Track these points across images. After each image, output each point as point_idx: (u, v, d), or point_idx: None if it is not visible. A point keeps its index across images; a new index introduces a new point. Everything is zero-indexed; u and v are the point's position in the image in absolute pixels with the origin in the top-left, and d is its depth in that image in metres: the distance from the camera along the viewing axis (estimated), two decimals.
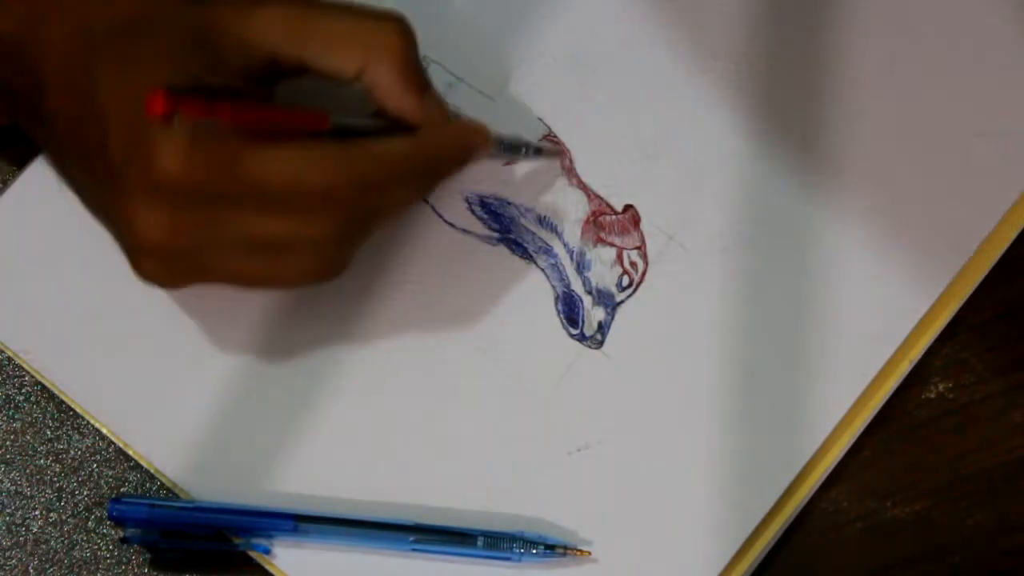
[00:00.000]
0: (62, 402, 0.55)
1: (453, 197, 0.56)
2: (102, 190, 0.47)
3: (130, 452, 0.54)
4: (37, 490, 0.55)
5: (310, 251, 0.47)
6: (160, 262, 0.47)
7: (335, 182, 0.46)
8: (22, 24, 0.47)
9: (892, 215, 0.55)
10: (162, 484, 0.54)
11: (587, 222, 0.56)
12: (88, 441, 0.55)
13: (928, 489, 0.54)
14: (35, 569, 0.54)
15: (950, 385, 0.55)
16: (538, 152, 0.55)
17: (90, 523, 0.54)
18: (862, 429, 0.54)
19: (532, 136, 0.56)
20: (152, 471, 0.54)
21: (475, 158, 0.51)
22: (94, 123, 0.45)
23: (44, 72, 0.47)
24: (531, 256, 0.55)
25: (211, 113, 0.43)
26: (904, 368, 0.54)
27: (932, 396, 0.55)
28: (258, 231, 0.46)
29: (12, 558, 0.54)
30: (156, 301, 0.54)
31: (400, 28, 0.49)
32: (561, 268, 0.55)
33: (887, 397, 0.54)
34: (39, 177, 0.56)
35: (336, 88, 0.49)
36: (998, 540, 0.54)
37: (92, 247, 0.55)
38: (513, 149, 0.54)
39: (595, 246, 0.55)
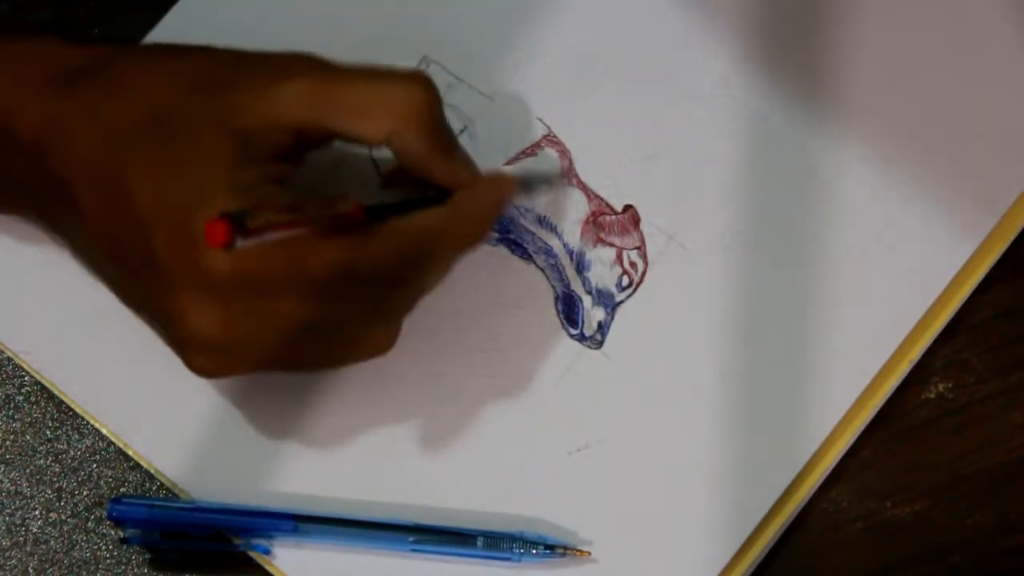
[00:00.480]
0: (62, 402, 0.55)
1: None
2: (145, 287, 0.46)
3: (130, 452, 0.54)
4: (37, 490, 0.55)
5: (363, 331, 0.48)
6: (212, 356, 0.46)
7: (383, 265, 0.46)
8: (43, 130, 0.47)
9: (891, 215, 0.55)
10: (162, 484, 0.54)
11: (587, 222, 0.56)
12: (88, 441, 0.55)
13: (928, 489, 0.54)
14: (35, 569, 0.54)
15: (950, 385, 0.55)
16: (549, 183, 0.55)
17: (90, 523, 0.54)
18: (862, 429, 0.54)
19: (532, 136, 0.56)
20: (152, 471, 0.54)
21: (507, 207, 0.52)
22: (133, 225, 0.45)
23: (72, 175, 0.46)
24: (531, 256, 0.55)
25: (262, 232, 0.42)
26: (904, 368, 0.54)
27: (932, 396, 0.55)
28: (309, 318, 0.46)
29: (12, 558, 0.54)
30: None
31: (425, 90, 0.48)
32: (561, 268, 0.55)
33: (887, 397, 0.54)
34: None
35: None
36: (998, 540, 0.54)
37: None
38: (531, 186, 0.55)
39: (595, 246, 0.55)
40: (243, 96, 0.46)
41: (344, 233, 0.45)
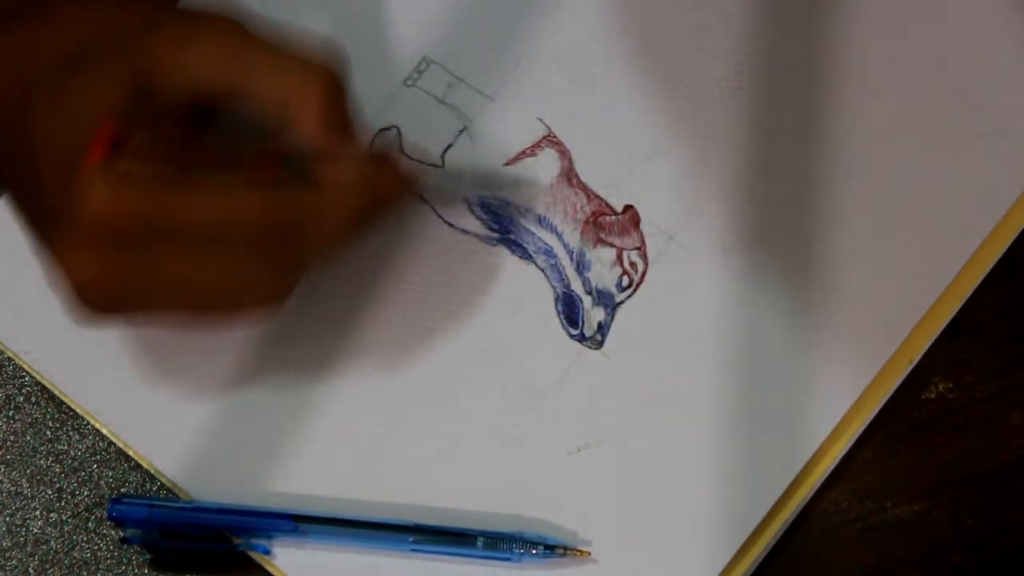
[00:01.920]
0: (62, 402, 0.55)
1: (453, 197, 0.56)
2: (38, 228, 0.47)
3: (130, 452, 0.54)
4: (37, 490, 0.55)
5: (241, 289, 0.47)
6: (89, 303, 0.46)
7: (252, 227, 0.46)
8: None
9: (892, 215, 0.55)
10: (162, 484, 0.54)
11: (587, 222, 0.56)
12: (88, 441, 0.55)
13: (928, 489, 0.54)
14: (35, 569, 0.54)
15: (950, 385, 0.55)
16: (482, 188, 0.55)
17: (90, 523, 0.54)
18: (862, 429, 0.54)
19: (532, 136, 0.57)
20: (152, 471, 0.54)
21: (395, 202, 0.51)
22: (28, 157, 0.45)
23: None
24: (531, 256, 0.55)
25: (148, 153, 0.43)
26: (904, 368, 0.54)
27: (932, 396, 0.55)
28: (186, 271, 0.45)
29: (12, 558, 0.54)
30: None
31: (328, 64, 0.48)
32: (561, 268, 0.55)
33: (887, 397, 0.54)
34: None
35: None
36: (998, 540, 0.54)
37: None
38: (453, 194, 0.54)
39: (595, 246, 0.55)
40: (154, 47, 0.46)
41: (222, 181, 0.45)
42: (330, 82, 0.48)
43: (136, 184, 0.44)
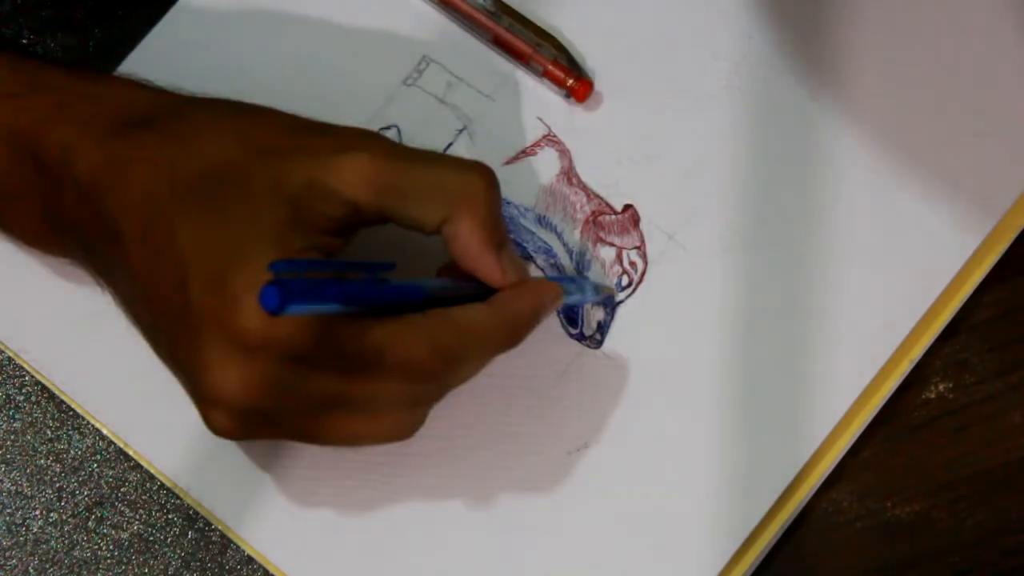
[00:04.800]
0: (62, 402, 0.55)
1: None
2: (176, 336, 0.46)
3: (130, 452, 0.54)
4: (37, 490, 0.55)
5: (386, 415, 0.47)
6: (231, 416, 0.46)
7: (416, 354, 0.45)
8: (101, 171, 0.47)
9: (891, 215, 0.55)
10: (162, 484, 0.54)
11: (587, 222, 0.56)
12: (88, 441, 0.55)
13: (928, 489, 0.54)
14: (35, 569, 0.54)
15: (950, 385, 0.55)
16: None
17: (90, 523, 0.54)
18: (862, 429, 0.54)
19: (532, 136, 0.57)
20: (152, 471, 0.54)
21: (548, 315, 0.51)
22: (172, 271, 0.45)
23: (123, 219, 0.46)
24: (530, 256, 0.55)
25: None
26: (904, 368, 0.54)
27: (932, 396, 0.55)
28: (335, 394, 0.45)
29: (12, 558, 0.54)
30: None
31: (484, 181, 0.48)
32: (561, 268, 0.55)
33: (887, 397, 0.54)
34: None
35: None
36: (998, 540, 0.54)
37: None
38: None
39: (595, 246, 0.55)
40: (302, 164, 0.46)
41: (384, 316, 0.45)
42: (491, 195, 0.48)
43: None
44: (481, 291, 0.49)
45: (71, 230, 0.49)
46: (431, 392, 0.48)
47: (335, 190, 0.46)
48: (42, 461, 0.55)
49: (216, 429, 0.47)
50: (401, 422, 0.48)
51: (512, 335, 0.49)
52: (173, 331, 0.46)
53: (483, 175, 0.48)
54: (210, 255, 0.44)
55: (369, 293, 0.44)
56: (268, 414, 0.46)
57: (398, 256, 0.47)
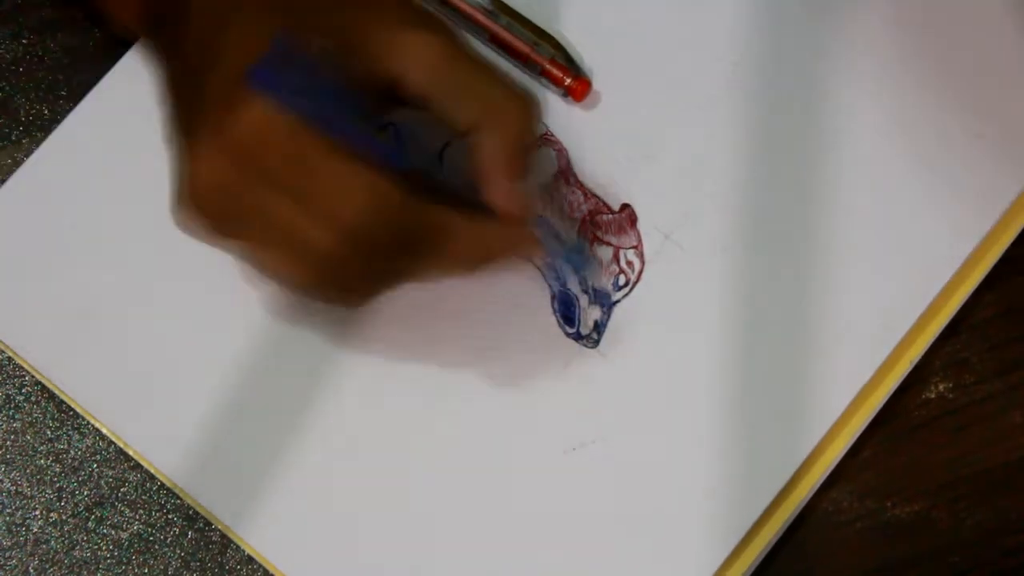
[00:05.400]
0: (62, 402, 0.55)
1: None
2: (183, 121, 0.47)
3: (130, 452, 0.54)
4: (37, 490, 0.55)
5: (334, 271, 0.47)
6: (196, 212, 0.46)
7: (374, 222, 0.45)
8: None
9: (891, 215, 0.55)
10: (162, 484, 0.54)
11: (584, 221, 0.56)
12: (88, 441, 0.55)
13: (928, 489, 0.54)
14: (35, 569, 0.54)
15: (950, 385, 0.55)
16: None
17: (90, 523, 0.55)
18: (862, 429, 0.54)
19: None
20: (152, 471, 0.54)
21: (517, 264, 0.51)
22: (208, 58, 0.46)
23: (194, 3, 0.47)
24: None
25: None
26: (904, 368, 0.54)
27: (932, 396, 0.55)
28: (293, 231, 0.45)
29: (12, 558, 0.54)
30: (156, 300, 0.55)
31: (528, 110, 0.48)
32: (558, 267, 0.55)
33: (887, 397, 0.54)
34: (37, 173, 0.56)
35: None
36: (998, 540, 0.54)
37: (92, 244, 0.55)
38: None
39: (592, 245, 0.55)
40: (371, 21, 0.46)
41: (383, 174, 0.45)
42: (528, 121, 0.48)
43: (285, 125, 0.44)
44: (469, 195, 0.48)
45: (156, 5, 0.50)
46: (377, 266, 0.47)
47: (389, 57, 0.46)
48: (42, 461, 0.55)
49: (182, 217, 0.47)
50: (339, 283, 0.47)
51: (475, 259, 0.49)
52: (184, 113, 0.47)
53: (527, 102, 0.48)
54: (241, 52, 0.45)
55: (337, 119, 0.44)
56: (228, 220, 0.46)
57: None
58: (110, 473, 0.55)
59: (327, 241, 0.45)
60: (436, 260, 0.48)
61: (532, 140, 0.49)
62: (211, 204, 0.46)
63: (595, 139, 0.56)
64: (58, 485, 0.55)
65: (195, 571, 0.54)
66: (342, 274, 0.47)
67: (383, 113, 0.49)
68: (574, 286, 0.55)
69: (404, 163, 0.46)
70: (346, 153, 0.44)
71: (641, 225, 0.55)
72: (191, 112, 0.46)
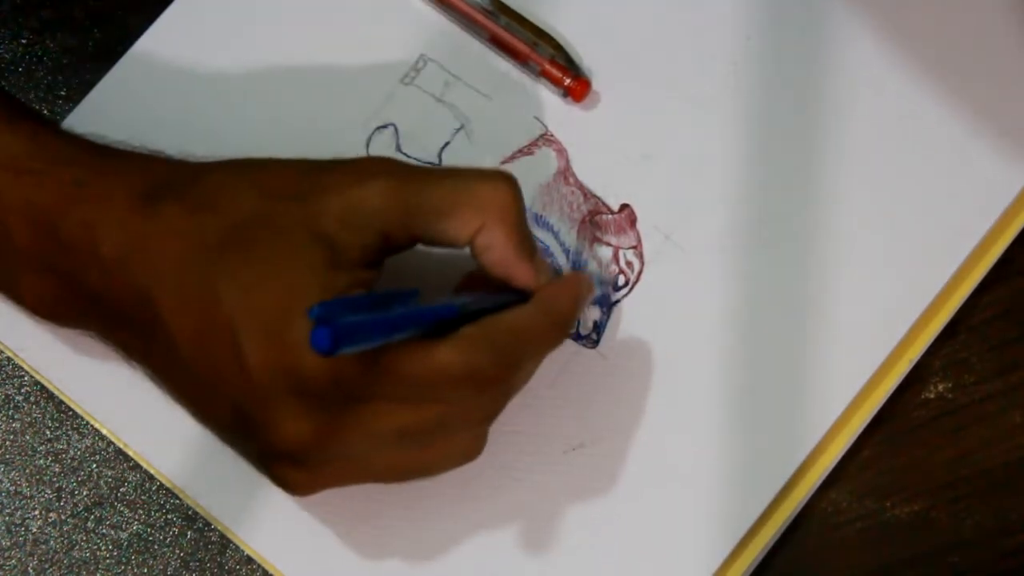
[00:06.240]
0: (62, 402, 0.55)
1: None
2: (230, 398, 0.45)
3: (130, 452, 0.54)
4: (36, 490, 0.55)
5: (461, 433, 0.47)
6: (306, 467, 0.46)
7: (480, 363, 0.45)
8: (128, 248, 0.47)
9: (891, 214, 0.55)
10: (161, 484, 0.54)
11: (583, 221, 0.56)
12: (88, 441, 0.55)
13: (928, 489, 0.54)
14: (35, 569, 0.54)
15: (950, 385, 0.55)
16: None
17: (90, 523, 0.55)
18: (862, 429, 0.54)
19: (529, 135, 0.56)
20: (152, 471, 0.54)
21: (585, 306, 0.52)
22: (220, 332, 0.44)
23: (158, 290, 0.46)
24: None
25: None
26: (904, 368, 0.54)
27: (932, 396, 0.55)
28: (407, 422, 0.45)
29: (12, 558, 0.54)
30: None
31: (510, 187, 0.48)
32: (557, 267, 0.55)
33: (887, 397, 0.54)
34: None
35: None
36: (998, 540, 0.54)
37: None
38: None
39: (591, 245, 0.55)
40: (327, 200, 0.46)
41: (436, 336, 0.45)
42: (518, 202, 0.48)
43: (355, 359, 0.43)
44: (506, 299, 0.48)
45: (95, 306, 0.49)
46: (496, 402, 0.48)
47: (364, 221, 0.46)
48: (41, 461, 0.55)
49: (293, 485, 0.46)
50: (473, 440, 0.48)
51: (561, 329, 0.49)
52: (227, 393, 0.45)
53: (510, 183, 0.48)
54: (259, 310, 0.44)
55: (411, 318, 0.44)
56: (343, 458, 0.46)
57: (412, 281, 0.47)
58: (109, 473, 0.55)
59: (441, 410, 0.46)
60: (533, 359, 0.49)
61: (524, 208, 0.48)
62: (315, 456, 0.45)
63: (595, 139, 0.56)
64: (57, 485, 0.55)
65: (194, 571, 0.54)
66: (462, 433, 0.48)
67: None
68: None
69: (454, 312, 0.46)
70: (410, 341, 0.44)
71: (641, 225, 0.55)
72: (228, 390, 0.45)
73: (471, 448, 0.48)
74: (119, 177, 0.48)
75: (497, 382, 0.46)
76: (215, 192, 0.47)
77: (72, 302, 0.49)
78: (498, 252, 0.48)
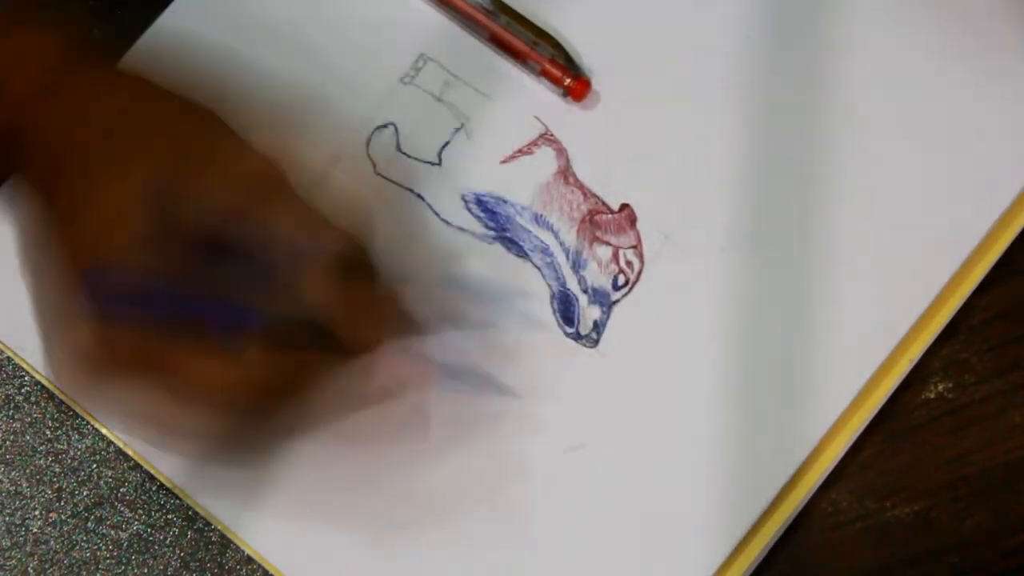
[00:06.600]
0: (62, 402, 0.55)
1: (450, 195, 0.56)
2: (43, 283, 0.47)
3: (130, 452, 0.54)
4: (37, 490, 0.55)
5: (198, 438, 0.48)
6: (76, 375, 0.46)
7: (233, 389, 0.45)
8: (35, 95, 0.47)
9: (891, 214, 0.55)
10: (161, 484, 0.54)
11: (583, 221, 0.56)
12: (88, 441, 0.55)
13: (928, 489, 0.54)
14: (35, 569, 0.54)
15: (950, 385, 0.55)
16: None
17: (90, 523, 0.55)
18: (862, 429, 0.54)
19: (529, 134, 0.56)
20: (152, 471, 0.54)
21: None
22: (45, 230, 0.45)
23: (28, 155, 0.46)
24: (527, 254, 0.55)
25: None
26: (904, 368, 0.54)
27: (932, 396, 0.55)
28: (169, 418, 0.45)
29: (12, 558, 0.54)
30: None
31: (351, 229, 0.48)
32: (557, 267, 0.55)
33: (887, 397, 0.54)
34: None
35: None
36: (998, 540, 0.54)
37: None
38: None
39: (591, 245, 0.55)
40: (190, 167, 0.46)
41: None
42: (349, 243, 0.47)
43: (125, 337, 0.43)
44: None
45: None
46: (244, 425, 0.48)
47: (211, 198, 0.46)
48: (41, 461, 0.55)
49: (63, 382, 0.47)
50: (210, 450, 0.49)
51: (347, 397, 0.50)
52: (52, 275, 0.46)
53: (346, 228, 0.47)
54: (81, 226, 0.44)
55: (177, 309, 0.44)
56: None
57: None
58: (109, 473, 0.55)
59: (203, 426, 0.46)
60: (320, 407, 0.49)
61: (361, 254, 0.48)
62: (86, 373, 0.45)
63: (595, 139, 0.56)
64: (57, 485, 0.55)
65: (194, 571, 0.54)
66: (231, 446, 0.48)
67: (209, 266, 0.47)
68: (573, 286, 0.55)
69: (251, 322, 0.45)
70: (188, 339, 0.44)
71: (641, 225, 0.55)
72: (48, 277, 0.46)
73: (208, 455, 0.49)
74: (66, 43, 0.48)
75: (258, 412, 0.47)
76: (103, 87, 0.47)
77: None
78: (313, 296, 0.47)
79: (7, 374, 0.56)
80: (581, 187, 0.56)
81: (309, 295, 0.46)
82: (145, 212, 0.44)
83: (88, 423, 0.55)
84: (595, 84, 0.57)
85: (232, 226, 0.46)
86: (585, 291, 0.55)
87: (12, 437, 0.56)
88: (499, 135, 0.57)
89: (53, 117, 0.46)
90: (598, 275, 0.55)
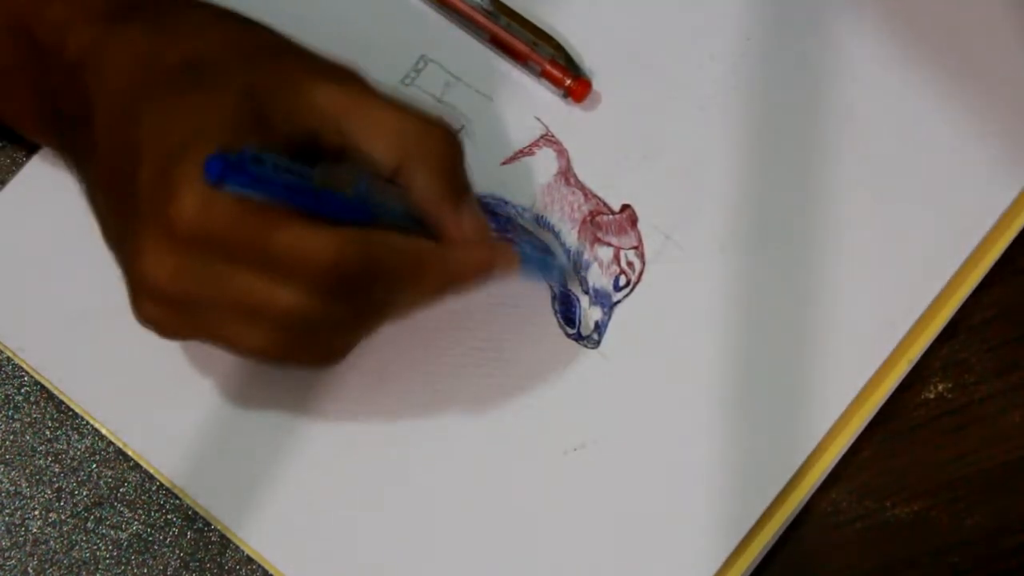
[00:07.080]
0: (61, 402, 0.55)
1: None
2: (121, 223, 0.46)
3: (130, 452, 0.54)
4: (36, 490, 0.55)
5: (310, 330, 0.46)
6: (159, 307, 0.46)
7: (346, 263, 0.44)
8: (88, 53, 0.47)
9: (891, 214, 0.55)
10: (161, 484, 0.54)
11: (584, 222, 0.56)
12: (87, 441, 0.55)
13: (928, 489, 0.54)
14: (34, 569, 0.54)
15: (950, 385, 0.55)
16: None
17: (89, 523, 0.54)
18: (861, 429, 0.54)
19: (530, 135, 0.56)
20: (152, 471, 0.54)
21: (494, 280, 0.50)
22: (129, 155, 0.45)
23: (98, 102, 0.46)
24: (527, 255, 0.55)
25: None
26: (903, 368, 0.54)
27: (932, 396, 0.55)
28: (262, 298, 0.45)
29: (11, 558, 0.54)
30: None
31: (446, 136, 0.48)
32: (557, 266, 0.55)
33: (887, 397, 0.54)
34: (38, 174, 0.56)
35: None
36: (998, 540, 0.54)
37: (92, 244, 0.55)
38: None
39: (592, 246, 0.55)
40: (275, 77, 0.46)
41: (331, 222, 0.44)
42: (451, 149, 0.48)
43: (230, 202, 0.43)
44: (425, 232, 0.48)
45: (57, 113, 0.49)
46: (356, 317, 0.47)
47: (298, 111, 0.46)
48: (41, 461, 0.55)
49: (145, 317, 0.46)
50: (326, 343, 0.47)
51: (443, 285, 0.48)
52: (120, 215, 0.46)
53: (443, 130, 0.48)
54: (164, 142, 0.44)
55: (309, 193, 0.44)
56: (193, 308, 0.45)
57: None
58: (109, 473, 0.55)
59: (295, 297, 0.44)
60: (409, 293, 0.48)
61: (462, 163, 0.49)
62: (169, 298, 0.45)
63: (595, 139, 0.56)
64: (57, 485, 0.55)
65: (194, 571, 0.54)
66: (315, 331, 0.46)
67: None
68: (575, 287, 0.55)
69: (367, 215, 0.45)
70: (298, 215, 0.44)
71: (641, 225, 0.56)
72: (125, 212, 0.45)
73: (322, 350, 0.48)
74: None
75: (355, 294, 0.46)
76: (184, 25, 0.48)
77: (40, 109, 0.50)
78: (417, 193, 0.48)
79: (7, 374, 0.56)
80: (582, 188, 0.56)
81: (419, 204, 0.47)
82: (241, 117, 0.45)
83: (88, 423, 0.55)
84: (596, 85, 0.57)
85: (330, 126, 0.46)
86: (586, 292, 0.55)
87: (12, 437, 0.55)
88: (500, 136, 0.57)
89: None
90: (599, 276, 0.55)
